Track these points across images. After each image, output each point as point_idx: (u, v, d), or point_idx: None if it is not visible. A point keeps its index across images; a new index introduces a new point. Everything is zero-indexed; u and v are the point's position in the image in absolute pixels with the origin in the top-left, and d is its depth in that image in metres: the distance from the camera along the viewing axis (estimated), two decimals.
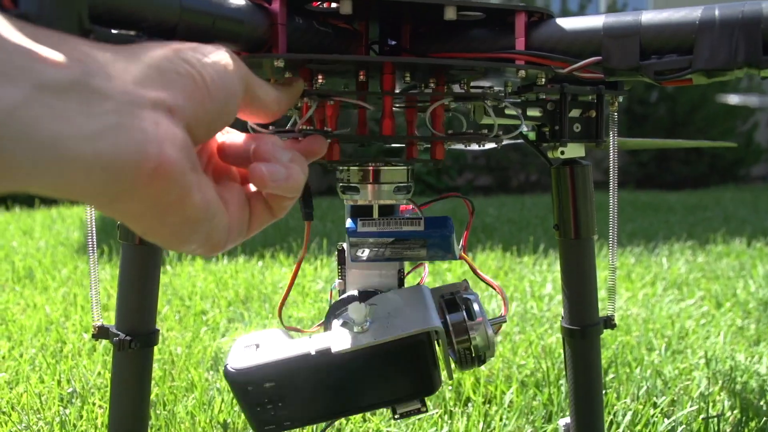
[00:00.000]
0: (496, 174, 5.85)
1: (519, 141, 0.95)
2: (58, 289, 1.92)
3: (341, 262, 0.65)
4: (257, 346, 0.54)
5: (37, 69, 0.26)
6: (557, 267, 2.12)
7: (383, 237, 0.60)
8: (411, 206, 0.65)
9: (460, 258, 0.62)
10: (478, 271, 0.65)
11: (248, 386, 0.52)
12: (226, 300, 1.77)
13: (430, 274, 2.01)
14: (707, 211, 3.77)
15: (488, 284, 0.64)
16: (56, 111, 0.26)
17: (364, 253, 0.60)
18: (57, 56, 0.27)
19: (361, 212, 0.63)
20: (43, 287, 1.96)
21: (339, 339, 0.53)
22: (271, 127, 0.62)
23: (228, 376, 0.53)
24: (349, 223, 0.61)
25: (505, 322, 0.63)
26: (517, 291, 1.85)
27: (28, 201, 4.14)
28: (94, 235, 0.68)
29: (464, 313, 0.57)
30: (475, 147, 1.08)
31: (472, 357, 0.58)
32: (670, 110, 6.03)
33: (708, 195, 4.86)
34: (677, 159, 6.13)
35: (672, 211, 3.79)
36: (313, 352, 0.53)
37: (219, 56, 0.35)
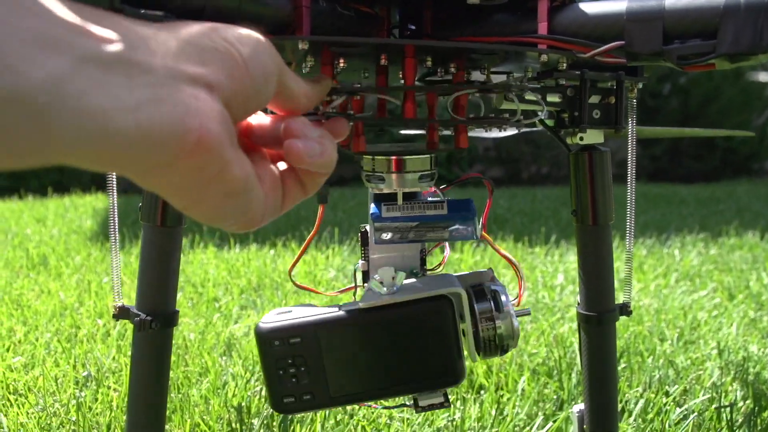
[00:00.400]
0: (507, 166, 5.84)
1: (534, 129, 0.95)
2: (71, 276, 1.93)
3: (364, 243, 0.65)
4: (289, 311, 0.56)
5: (82, 42, 0.27)
6: (569, 258, 2.12)
7: (408, 221, 0.60)
8: (433, 189, 0.65)
9: (481, 238, 0.63)
10: (498, 248, 0.66)
11: (275, 341, 0.54)
12: (239, 287, 1.78)
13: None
14: (720, 204, 3.75)
15: (509, 261, 0.65)
16: (100, 83, 0.27)
17: (388, 236, 0.61)
18: (100, 30, 0.28)
19: (384, 197, 0.63)
20: (57, 274, 1.97)
21: (367, 297, 0.54)
22: None
23: (258, 331, 0.54)
24: (373, 208, 0.61)
25: (529, 314, 0.64)
26: (529, 281, 1.85)
27: (40, 190, 4.17)
28: (116, 217, 0.68)
29: (491, 303, 0.58)
30: (494, 133, 1.08)
31: (495, 345, 0.58)
32: (683, 103, 6.00)
33: (721, 188, 4.84)
34: (689, 153, 6.09)
35: (684, 204, 3.77)
36: (340, 311, 0.54)
37: (256, 37, 0.36)
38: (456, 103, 0.59)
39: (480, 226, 0.63)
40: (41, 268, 2.04)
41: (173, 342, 1.32)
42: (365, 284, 0.60)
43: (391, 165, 0.62)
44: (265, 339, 0.54)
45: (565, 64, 0.61)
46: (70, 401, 1.07)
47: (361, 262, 0.65)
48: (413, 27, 0.66)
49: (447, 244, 0.65)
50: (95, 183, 4.13)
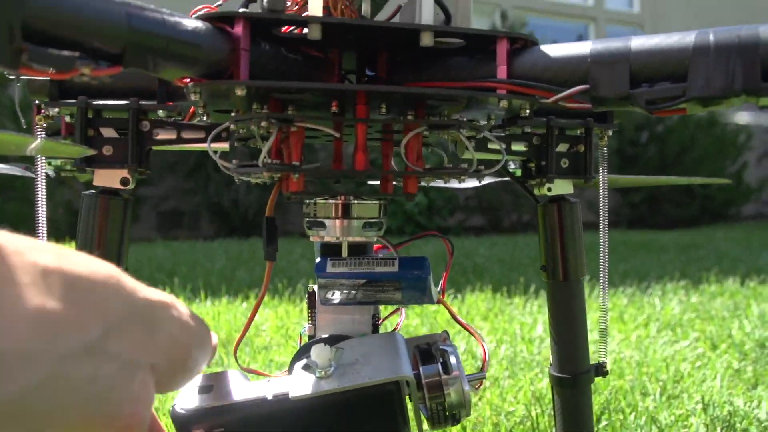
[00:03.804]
0: (488, 214, 5.82)
1: (508, 179, 0.92)
2: None
3: (311, 305, 0.60)
4: (210, 387, 0.49)
5: (61, 339, 0.28)
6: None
7: (354, 278, 0.55)
8: (384, 246, 0.61)
9: (439, 302, 0.57)
10: (458, 316, 0.60)
11: (195, 430, 0.47)
12: None
13: (417, 316, 1.96)
14: (700, 250, 3.73)
15: (468, 331, 0.60)
16: (65, 380, 0.29)
17: (335, 296, 0.56)
18: (82, 315, 0.29)
19: (331, 251, 0.58)
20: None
21: (298, 383, 0.48)
22: (234, 161, 0.58)
23: (174, 417, 0.48)
24: (318, 263, 0.56)
25: (485, 378, 0.58)
26: (507, 334, 1.79)
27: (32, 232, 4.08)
28: None
29: (439, 366, 0.52)
30: (456, 184, 1.04)
31: (445, 415, 0.52)
32: (660, 151, 6.05)
33: (700, 234, 4.84)
34: (668, 200, 6.12)
35: (664, 251, 3.75)
36: (269, 397, 0.48)
37: (203, 330, 0.37)
38: (408, 149, 0.55)
39: (437, 289, 0.58)
40: None
41: None
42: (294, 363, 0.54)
43: (333, 210, 0.57)
44: (184, 427, 0.47)
45: (527, 111, 0.57)
46: None
47: (307, 325, 0.60)
48: (371, 73, 0.62)
49: (402, 309, 0.60)
50: (70, 232, 4.05)
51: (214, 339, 0.40)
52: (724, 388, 1.39)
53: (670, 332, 1.86)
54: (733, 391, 1.36)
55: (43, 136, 0.61)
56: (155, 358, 0.33)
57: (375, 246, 0.63)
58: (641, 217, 6.03)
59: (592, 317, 1.82)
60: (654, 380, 1.42)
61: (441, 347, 0.53)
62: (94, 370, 0.30)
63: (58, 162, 0.72)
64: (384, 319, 0.61)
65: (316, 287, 0.60)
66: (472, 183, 1.05)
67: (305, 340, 0.61)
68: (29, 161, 0.77)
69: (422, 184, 1.07)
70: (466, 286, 2.42)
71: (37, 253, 0.29)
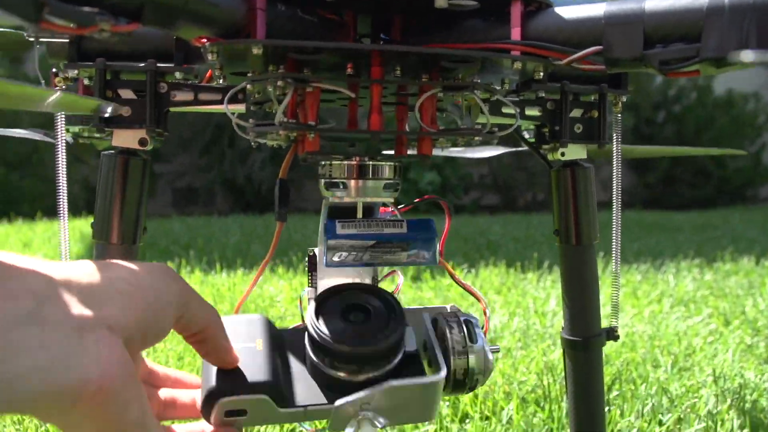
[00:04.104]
0: (502, 193, 5.81)
1: (521, 149, 0.92)
2: None
3: (312, 268, 0.61)
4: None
5: None
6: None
7: (364, 240, 0.56)
8: (390, 209, 0.61)
9: (440, 264, 0.58)
10: (457, 277, 0.61)
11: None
12: (222, 312, 1.73)
13: (431, 290, 1.97)
14: (715, 231, 3.72)
15: (470, 292, 0.60)
16: (12, 346, 0.30)
17: (342, 258, 0.56)
18: (12, 290, 0.31)
19: (339, 214, 0.59)
20: None
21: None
22: (251, 120, 0.58)
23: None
24: (326, 225, 0.57)
25: (499, 351, 0.59)
26: (520, 307, 1.80)
27: (31, 214, 4.13)
28: (67, 240, 0.65)
29: (465, 332, 0.53)
30: (470, 154, 1.04)
31: (464, 381, 0.54)
32: (677, 131, 6.00)
33: (716, 215, 4.81)
34: (684, 181, 6.08)
35: (679, 231, 3.74)
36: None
37: (157, 269, 0.40)
38: (422, 110, 0.55)
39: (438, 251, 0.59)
40: None
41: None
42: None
43: (353, 171, 0.57)
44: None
45: (541, 73, 0.57)
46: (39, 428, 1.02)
47: (308, 289, 0.61)
48: (386, 37, 0.63)
49: (399, 272, 0.61)
50: (87, 207, 4.09)
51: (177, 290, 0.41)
52: (735, 362, 1.39)
53: (683, 308, 1.86)
54: (745, 365, 1.37)
55: (63, 88, 0.62)
56: (113, 321, 0.34)
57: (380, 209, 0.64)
58: (656, 197, 5.99)
59: (606, 292, 1.83)
60: (666, 353, 1.43)
61: (465, 318, 0.55)
62: (41, 336, 0.31)
63: (76, 128, 0.73)
64: (381, 280, 0.61)
65: (316, 250, 0.61)
66: (486, 152, 1.06)
67: (305, 304, 0.61)
68: (48, 126, 0.79)
69: (437, 152, 1.08)
70: (480, 262, 2.43)
71: None
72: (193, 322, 0.42)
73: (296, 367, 0.50)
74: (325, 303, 0.51)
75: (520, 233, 3.42)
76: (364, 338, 0.48)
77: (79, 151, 0.80)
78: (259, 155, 5.09)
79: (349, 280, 0.59)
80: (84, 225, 3.46)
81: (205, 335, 0.44)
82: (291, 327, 0.56)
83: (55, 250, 2.73)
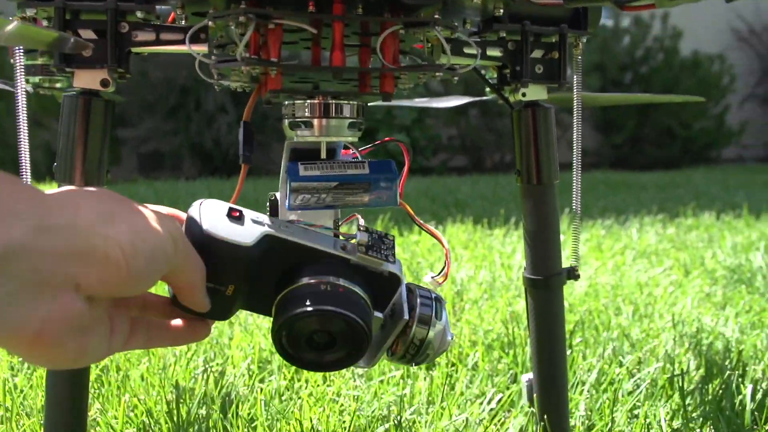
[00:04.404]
0: (470, 154, 5.84)
1: (485, 98, 0.93)
2: None
3: (274, 212, 0.61)
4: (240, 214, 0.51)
5: None
6: None
7: (327, 181, 0.56)
8: (351, 152, 0.62)
9: (400, 205, 0.59)
10: (417, 218, 0.62)
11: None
12: None
13: (398, 246, 1.98)
14: (678, 189, 3.78)
15: (429, 232, 0.62)
16: None
17: (305, 200, 0.57)
18: (12, 217, 0.34)
19: (301, 157, 0.59)
20: None
21: None
22: (213, 57, 0.58)
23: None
24: (289, 166, 0.57)
25: (453, 338, 0.61)
26: (486, 260, 1.83)
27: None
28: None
29: (434, 308, 0.55)
30: (435, 104, 1.04)
31: (418, 349, 0.55)
32: (644, 92, 6.04)
33: (680, 174, 4.89)
34: (650, 141, 6.16)
35: (644, 189, 3.80)
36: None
37: (153, 232, 0.40)
38: (384, 48, 0.56)
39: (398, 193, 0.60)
40: None
41: None
42: None
43: (316, 109, 0.58)
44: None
45: (501, 10, 0.58)
46: (5, 385, 1.02)
47: None
48: None
49: (359, 216, 0.62)
50: (50, 173, 4.02)
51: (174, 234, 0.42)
52: (694, 308, 1.43)
53: (646, 260, 1.90)
54: (702, 311, 1.41)
55: (19, 20, 0.61)
56: (84, 282, 0.36)
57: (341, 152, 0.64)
58: (623, 158, 6.07)
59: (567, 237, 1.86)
60: (627, 302, 1.47)
61: (437, 296, 0.56)
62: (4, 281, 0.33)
63: (36, 79, 0.72)
64: (342, 224, 0.62)
65: (278, 194, 0.61)
66: (451, 102, 1.06)
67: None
68: (8, 75, 0.77)
69: (405, 103, 1.08)
70: (448, 219, 2.45)
71: None
72: (176, 284, 0.45)
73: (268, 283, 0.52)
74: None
75: (488, 192, 3.45)
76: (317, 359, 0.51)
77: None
78: (225, 118, 5.04)
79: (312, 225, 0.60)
80: (47, 189, 3.41)
81: (183, 291, 0.46)
82: None
83: None
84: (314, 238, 0.54)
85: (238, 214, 0.51)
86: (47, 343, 0.36)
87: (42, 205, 0.35)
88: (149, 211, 0.42)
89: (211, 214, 0.50)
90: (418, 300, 0.56)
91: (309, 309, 0.48)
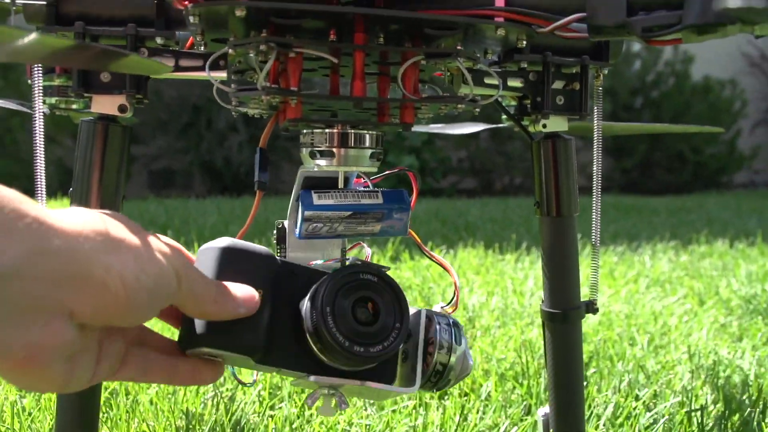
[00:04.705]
0: (480, 177, 5.83)
1: (502, 125, 0.92)
2: None
3: (281, 241, 0.60)
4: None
5: None
6: (539, 264, 2.09)
7: (341, 210, 0.56)
8: (362, 180, 0.61)
9: (408, 235, 0.59)
10: (425, 248, 0.62)
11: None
12: None
13: (410, 270, 1.97)
14: (690, 214, 3.76)
15: (437, 263, 0.61)
16: None
17: (317, 229, 0.56)
18: (9, 237, 0.33)
19: (314, 185, 0.59)
20: None
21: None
22: (233, 86, 0.58)
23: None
24: (301, 195, 0.56)
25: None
26: (498, 286, 1.81)
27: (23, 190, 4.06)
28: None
29: (453, 332, 0.55)
30: (451, 130, 1.04)
31: (442, 374, 0.55)
32: (655, 117, 6.04)
33: (691, 200, 4.87)
34: (661, 166, 6.14)
35: (655, 214, 3.78)
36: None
37: (157, 266, 0.39)
38: (405, 78, 0.55)
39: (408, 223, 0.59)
40: None
41: None
42: None
43: (336, 139, 0.57)
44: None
45: (524, 42, 0.57)
46: (13, 407, 1.01)
47: None
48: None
49: (365, 245, 0.61)
50: (62, 188, 4.03)
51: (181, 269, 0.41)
52: (710, 340, 1.41)
53: (659, 288, 1.88)
54: (719, 343, 1.39)
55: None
56: (78, 311, 0.35)
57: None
58: (633, 182, 6.05)
59: (584, 272, 1.84)
60: (642, 332, 1.45)
61: (455, 321, 0.56)
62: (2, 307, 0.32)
63: (53, 100, 0.72)
64: (348, 251, 0.61)
65: (285, 222, 0.60)
66: (467, 129, 1.06)
67: None
68: (22, 96, 0.77)
69: (418, 128, 1.07)
70: (458, 243, 2.44)
71: None
72: (182, 310, 0.43)
73: (286, 316, 0.49)
74: (335, 292, 0.49)
75: (498, 215, 3.43)
76: (364, 343, 0.48)
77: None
78: (236, 138, 5.05)
79: (318, 256, 0.59)
80: (58, 206, 3.42)
81: (192, 312, 0.44)
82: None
83: None
84: (323, 268, 0.54)
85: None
86: (33, 369, 0.35)
87: (43, 226, 0.34)
88: (158, 242, 0.41)
89: (224, 240, 0.50)
90: (437, 326, 0.55)
91: (345, 272, 0.49)
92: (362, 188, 0.59)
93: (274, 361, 0.48)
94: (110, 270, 0.36)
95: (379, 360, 0.49)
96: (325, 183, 0.60)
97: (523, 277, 1.94)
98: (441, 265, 0.61)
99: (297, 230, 0.56)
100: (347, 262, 0.56)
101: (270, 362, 0.48)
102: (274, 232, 0.60)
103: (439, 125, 1.13)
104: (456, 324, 0.56)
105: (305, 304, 0.49)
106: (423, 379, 0.54)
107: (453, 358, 0.54)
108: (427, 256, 0.62)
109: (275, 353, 0.48)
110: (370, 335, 0.49)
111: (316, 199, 0.56)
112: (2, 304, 0.33)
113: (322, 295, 0.48)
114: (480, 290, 1.77)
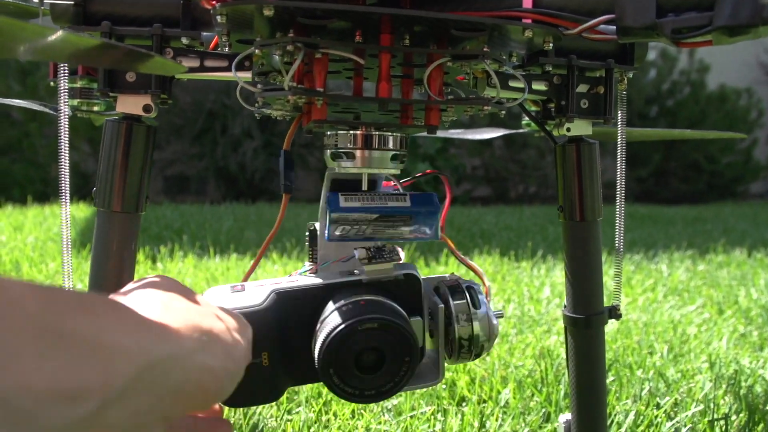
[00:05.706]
0: (494, 185, 5.81)
1: (523, 131, 0.92)
2: (44, 282, 1.87)
3: (312, 243, 0.60)
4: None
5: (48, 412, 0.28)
6: (556, 272, 2.08)
7: (367, 213, 0.55)
8: (392, 183, 0.61)
9: (441, 239, 0.58)
10: (458, 252, 0.61)
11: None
12: None
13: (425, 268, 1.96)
14: (707, 224, 3.73)
15: (468, 267, 0.60)
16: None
17: (345, 231, 0.56)
18: (76, 386, 0.29)
19: (341, 187, 0.58)
20: (30, 280, 1.91)
21: None
22: (259, 86, 0.58)
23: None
24: (329, 197, 0.56)
25: (503, 316, 0.59)
26: (515, 294, 1.80)
27: (21, 200, 4.10)
28: (68, 222, 0.64)
29: (468, 299, 0.54)
30: (473, 135, 1.03)
31: (469, 348, 0.54)
32: (670, 126, 6.00)
33: (707, 209, 4.83)
34: (676, 175, 6.10)
35: (671, 223, 3.75)
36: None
37: (241, 353, 0.39)
38: (430, 80, 0.55)
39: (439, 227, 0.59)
40: (13, 274, 1.98)
41: None
42: None
43: (359, 141, 0.57)
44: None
45: (551, 44, 0.57)
46: None
47: (308, 264, 0.61)
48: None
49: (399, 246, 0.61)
50: (78, 193, 4.06)
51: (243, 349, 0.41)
52: (730, 349, 1.40)
53: (677, 297, 1.87)
54: (739, 352, 1.37)
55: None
56: (168, 413, 0.34)
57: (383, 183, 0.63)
58: (648, 192, 6.01)
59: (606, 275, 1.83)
60: (661, 340, 1.43)
61: (467, 284, 0.55)
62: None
63: (75, 102, 0.72)
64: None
65: (317, 225, 0.60)
66: (486, 134, 1.05)
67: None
68: (41, 98, 0.78)
69: (438, 134, 1.07)
70: (474, 250, 2.43)
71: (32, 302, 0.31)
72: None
73: (301, 346, 0.52)
74: (335, 351, 0.49)
75: (513, 223, 3.42)
76: (374, 387, 0.49)
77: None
78: (251, 143, 5.07)
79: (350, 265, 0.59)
80: (75, 210, 3.44)
81: None
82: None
83: (46, 234, 2.72)
84: (320, 277, 0.53)
85: (240, 287, 0.53)
86: None
87: (147, 336, 0.33)
88: (235, 323, 0.42)
89: (216, 296, 0.52)
90: (450, 298, 0.55)
91: (341, 327, 0.48)
92: (390, 191, 0.59)
93: (298, 383, 0.54)
94: (204, 373, 0.36)
95: (393, 394, 0.50)
96: (353, 185, 0.60)
97: (539, 284, 1.93)
98: (472, 269, 0.60)
99: (326, 232, 0.56)
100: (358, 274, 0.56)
101: (295, 385, 0.54)
102: (306, 234, 0.61)
103: (459, 130, 1.13)
104: (470, 288, 0.55)
105: (315, 347, 0.49)
106: (451, 360, 0.54)
107: (477, 326, 0.54)
108: (457, 259, 0.62)
109: (298, 380, 0.53)
110: (378, 379, 0.49)
111: (343, 201, 0.56)
112: (106, 429, 0.31)
113: (323, 354, 0.48)
114: (497, 298, 1.76)
